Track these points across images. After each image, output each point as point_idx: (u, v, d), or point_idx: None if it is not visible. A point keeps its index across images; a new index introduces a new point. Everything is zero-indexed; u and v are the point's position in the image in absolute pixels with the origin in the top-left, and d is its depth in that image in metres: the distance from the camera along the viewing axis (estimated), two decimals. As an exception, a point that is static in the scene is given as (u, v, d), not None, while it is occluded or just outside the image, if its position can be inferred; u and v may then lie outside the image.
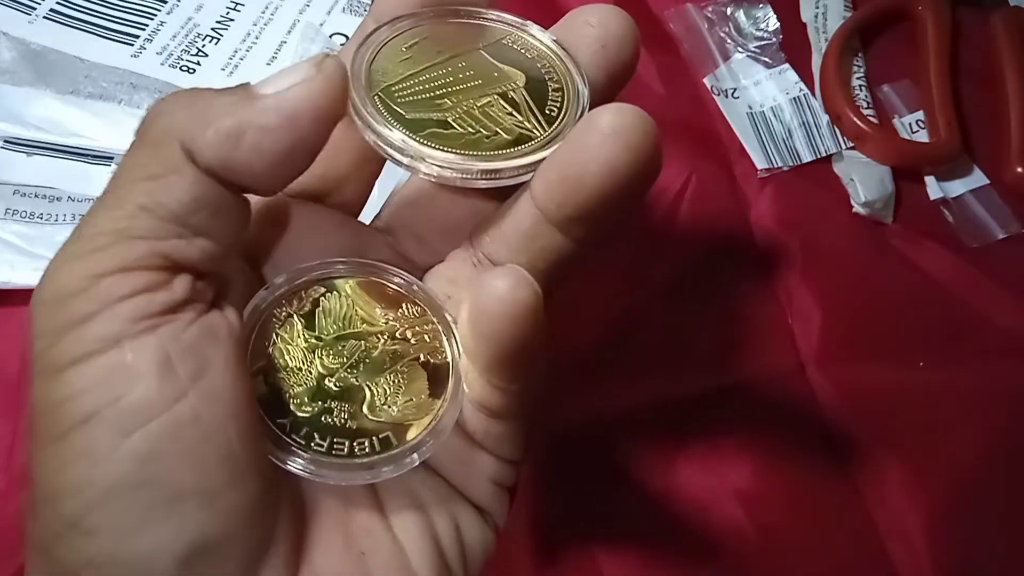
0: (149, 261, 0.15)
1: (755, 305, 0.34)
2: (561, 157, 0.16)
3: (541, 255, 0.17)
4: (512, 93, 0.18)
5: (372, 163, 0.21)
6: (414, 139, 0.16)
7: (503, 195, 0.20)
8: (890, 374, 0.32)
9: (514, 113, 0.17)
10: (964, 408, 0.32)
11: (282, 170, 0.16)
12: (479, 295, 0.15)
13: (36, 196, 0.30)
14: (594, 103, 0.18)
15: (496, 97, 0.17)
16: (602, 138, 0.15)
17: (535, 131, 0.17)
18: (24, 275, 0.29)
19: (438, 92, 0.17)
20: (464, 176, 0.16)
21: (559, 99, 0.18)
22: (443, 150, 0.16)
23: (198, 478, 0.14)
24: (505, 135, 0.17)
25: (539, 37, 0.19)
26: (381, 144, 0.17)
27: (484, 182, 0.17)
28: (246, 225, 0.17)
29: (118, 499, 0.14)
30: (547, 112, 0.17)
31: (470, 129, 0.17)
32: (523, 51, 0.18)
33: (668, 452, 0.31)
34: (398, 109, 0.17)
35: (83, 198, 0.31)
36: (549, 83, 0.18)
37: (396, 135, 0.16)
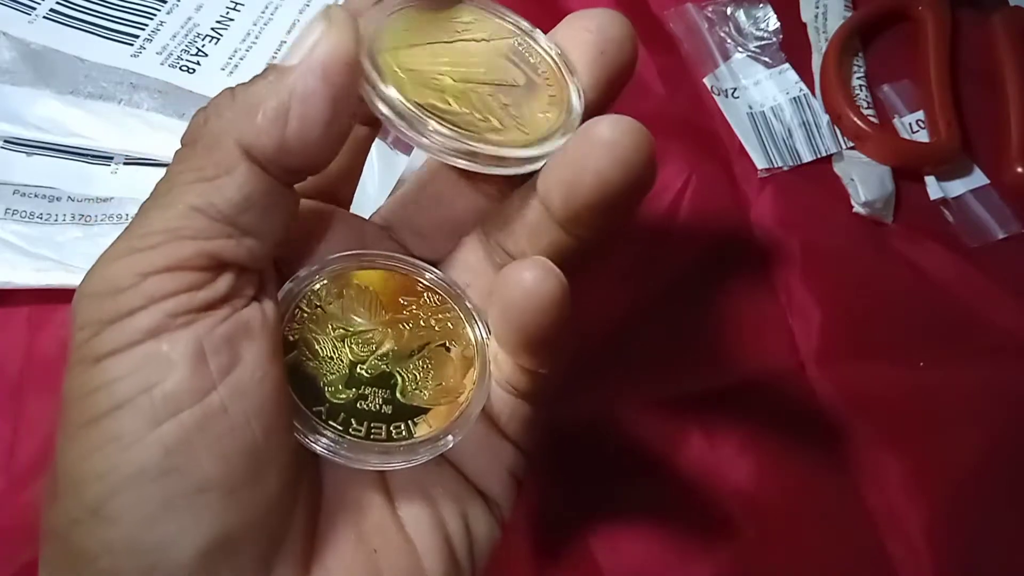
0: (197, 261, 0.15)
1: (755, 304, 0.34)
2: (559, 162, 0.16)
3: (547, 250, 0.18)
4: (511, 90, 0.18)
5: (360, 156, 0.21)
6: (419, 109, 0.16)
7: (503, 192, 0.20)
8: (890, 374, 0.32)
9: (511, 109, 0.17)
10: (964, 408, 0.32)
11: (333, 132, 0.16)
12: (507, 286, 0.16)
13: (36, 196, 0.30)
14: (593, 108, 0.18)
15: (495, 90, 0.18)
16: (596, 149, 0.15)
17: (527, 130, 0.17)
18: (24, 275, 0.29)
19: (442, 69, 0.17)
20: (463, 156, 0.16)
21: (555, 105, 0.18)
22: (446, 125, 0.16)
23: (222, 470, 0.15)
24: (500, 124, 0.17)
25: (543, 46, 0.19)
26: (385, 111, 0.16)
27: (479, 167, 0.17)
28: (294, 220, 0.17)
29: (142, 486, 0.14)
30: (540, 115, 0.18)
31: (470, 112, 0.17)
32: (527, 54, 0.19)
33: (668, 451, 0.31)
34: (402, 76, 0.17)
35: (83, 198, 0.31)
36: (548, 90, 0.18)
37: (400, 102, 0.16)
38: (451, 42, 0.18)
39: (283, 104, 0.15)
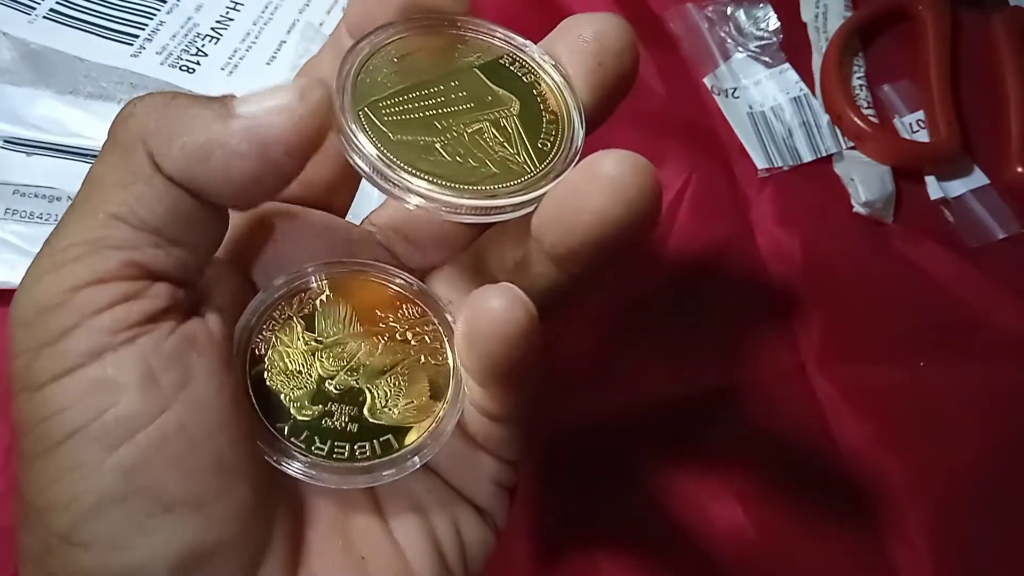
0: (125, 271, 0.14)
1: (755, 305, 0.34)
2: (557, 198, 0.16)
3: (535, 281, 0.17)
4: (504, 121, 0.17)
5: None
6: (400, 166, 0.15)
7: None
8: (890, 374, 0.32)
9: (505, 144, 0.16)
10: (964, 408, 0.32)
11: (251, 193, 0.15)
12: (472, 312, 0.15)
13: (36, 196, 0.30)
14: (590, 122, 0.17)
15: (488, 124, 0.17)
16: (598, 187, 0.14)
17: (525, 166, 0.16)
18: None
19: (427, 113, 0.16)
20: (450, 211, 0.16)
21: (553, 132, 0.17)
22: (429, 180, 0.15)
23: (188, 487, 0.14)
24: (493, 168, 0.16)
25: (537, 60, 0.18)
26: (364, 168, 0.16)
27: (471, 218, 0.16)
28: (223, 233, 0.16)
29: (107, 512, 0.14)
30: (539, 146, 0.17)
31: (458, 158, 0.16)
32: (520, 74, 0.18)
33: (668, 452, 0.31)
34: (384, 129, 0.16)
35: None
36: (544, 113, 0.17)
37: (380, 160, 0.16)
38: (439, 77, 0.17)
39: (206, 147, 0.14)
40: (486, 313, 0.15)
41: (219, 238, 0.16)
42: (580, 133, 0.17)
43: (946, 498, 0.30)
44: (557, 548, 0.29)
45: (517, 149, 0.17)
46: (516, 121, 0.17)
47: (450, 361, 0.18)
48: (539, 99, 0.17)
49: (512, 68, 0.18)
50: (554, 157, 0.17)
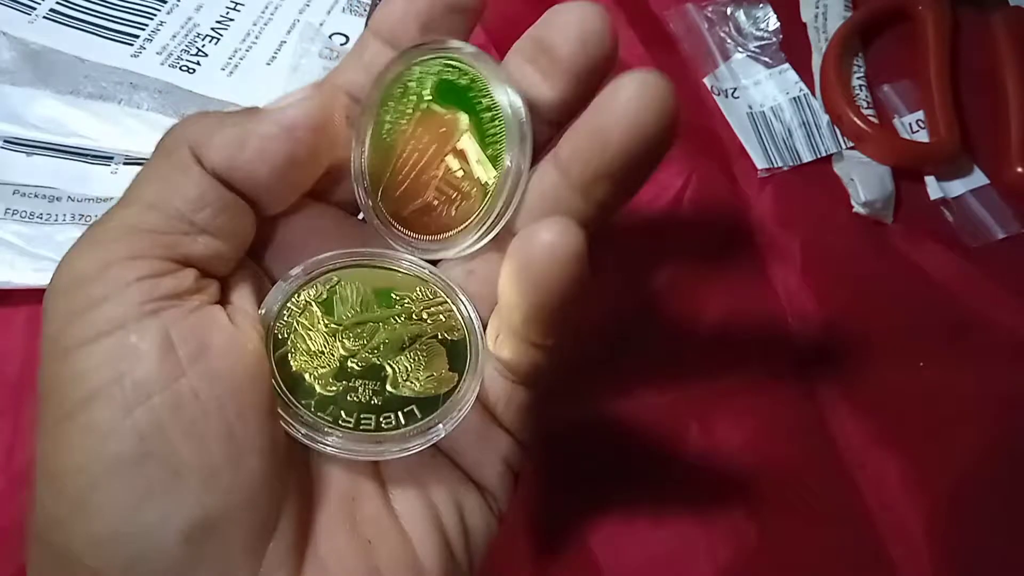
0: (155, 251, 0.16)
1: (755, 304, 0.34)
2: (588, 121, 0.17)
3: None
4: (460, 143, 0.19)
5: None
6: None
7: None
8: (890, 374, 0.32)
9: (463, 169, 0.19)
10: (964, 408, 0.32)
11: (283, 176, 0.17)
12: (525, 245, 0.16)
13: (36, 196, 0.30)
14: (576, 99, 0.18)
15: (450, 157, 0.19)
16: (626, 103, 0.16)
17: (487, 182, 0.18)
18: (24, 275, 0.29)
19: (413, 174, 0.19)
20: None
21: (495, 128, 0.18)
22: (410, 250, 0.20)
23: (197, 454, 0.15)
24: (468, 200, 0.19)
25: (462, 50, 0.18)
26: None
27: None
28: (253, 226, 0.18)
29: (121, 475, 0.14)
30: (490, 153, 0.18)
31: (444, 204, 0.19)
32: (456, 78, 0.19)
33: (667, 451, 0.31)
34: (405, 216, 0.19)
35: (83, 198, 0.31)
36: (487, 111, 0.18)
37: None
38: (409, 135, 0.19)
39: (243, 135, 0.17)
40: (540, 243, 0.15)
41: (249, 232, 0.18)
42: (521, 106, 0.18)
43: (946, 498, 0.30)
44: (557, 547, 0.29)
45: (474, 167, 0.19)
46: (469, 137, 0.19)
47: (466, 336, 0.19)
48: (481, 96, 0.18)
49: (447, 73, 0.19)
50: (505, 164, 0.18)
